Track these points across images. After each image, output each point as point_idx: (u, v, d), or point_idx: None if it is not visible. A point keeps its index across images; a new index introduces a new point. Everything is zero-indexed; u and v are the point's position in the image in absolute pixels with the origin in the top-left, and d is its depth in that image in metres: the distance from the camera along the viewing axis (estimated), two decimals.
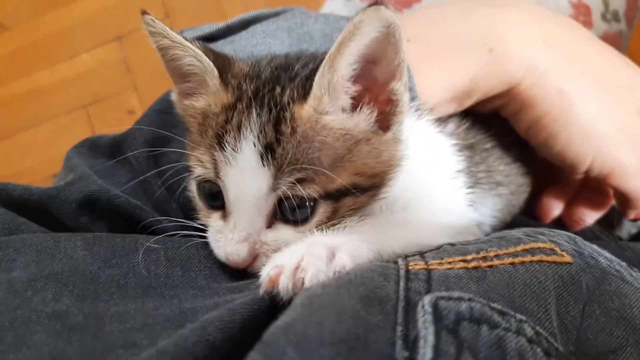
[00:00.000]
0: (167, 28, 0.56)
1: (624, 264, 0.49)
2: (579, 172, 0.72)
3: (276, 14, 0.71)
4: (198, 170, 0.57)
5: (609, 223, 0.91)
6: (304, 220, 0.55)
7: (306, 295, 0.40)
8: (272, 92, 0.54)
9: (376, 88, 0.55)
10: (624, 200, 0.76)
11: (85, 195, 0.62)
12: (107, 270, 0.49)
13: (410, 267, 0.44)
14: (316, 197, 0.53)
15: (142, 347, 0.40)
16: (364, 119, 0.56)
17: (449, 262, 0.45)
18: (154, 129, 0.68)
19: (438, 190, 0.64)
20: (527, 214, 0.84)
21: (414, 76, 0.64)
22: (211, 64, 0.57)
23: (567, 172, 0.76)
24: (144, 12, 0.56)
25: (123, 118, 2.09)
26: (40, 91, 2.17)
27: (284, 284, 0.44)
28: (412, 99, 0.63)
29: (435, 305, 0.37)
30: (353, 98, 0.55)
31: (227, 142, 0.53)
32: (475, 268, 0.44)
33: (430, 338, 0.34)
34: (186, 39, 0.56)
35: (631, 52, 1.29)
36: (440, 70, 0.66)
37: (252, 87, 0.56)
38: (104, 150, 0.74)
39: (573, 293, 0.43)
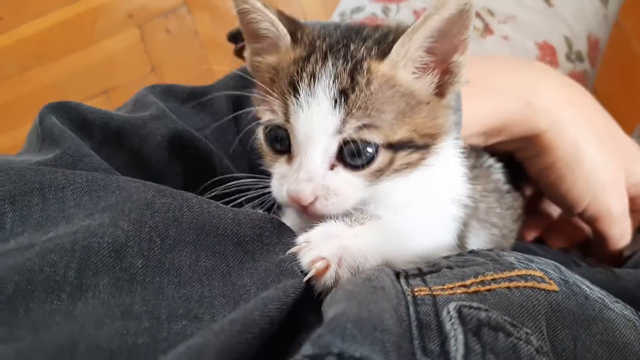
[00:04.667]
0: None
1: (604, 292, 0.53)
2: (575, 212, 0.83)
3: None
4: (267, 117, 0.61)
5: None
6: (363, 166, 0.60)
7: (346, 290, 0.45)
8: (346, 48, 0.60)
9: (441, 58, 0.62)
10: (601, 244, 0.88)
11: (172, 131, 0.65)
12: (161, 199, 0.50)
13: (416, 293, 0.48)
14: (378, 143, 0.58)
15: (204, 321, 0.42)
16: (427, 83, 0.62)
17: (451, 288, 0.49)
18: (241, 74, 0.72)
19: (432, 209, 0.68)
20: None
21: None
22: (284, 29, 0.63)
23: (565, 211, 0.89)
24: None
25: None
26: None
27: (328, 282, 0.52)
28: (456, 124, 0.71)
29: (459, 311, 0.42)
30: (421, 65, 0.61)
31: (301, 87, 0.58)
32: (475, 292, 0.48)
33: (460, 337, 0.39)
34: (264, 6, 0.62)
35: (597, 90, 1.38)
36: (482, 108, 0.77)
37: (325, 43, 0.61)
38: (178, 96, 0.77)
39: (560, 318, 0.47)
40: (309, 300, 0.51)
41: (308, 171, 0.59)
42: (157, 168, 0.65)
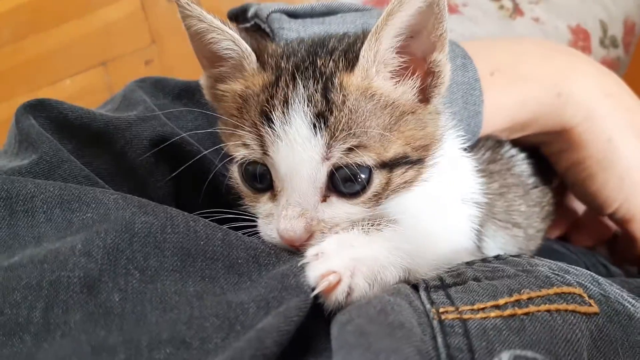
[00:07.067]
0: (204, 12, 0.56)
1: None
2: (604, 213, 0.77)
3: (358, 10, 0.74)
4: (241, 153, 0.56)
5: None
6: (359, 193, 0.54)
7: (359, 328, 0.38)
8: (314, 65, 0.55)
9: (418, 60, 0.56)
10: (630, 245, 0.82)
11: (159, 134, 0.60)
12: (142, 217, 0.45)
13: (442, 317, 0.42)
14: (371, 165, 0.52)
15: (191, 347, 0.36)
16: (408, 90, 0.56)
17: (482, 309, 0.43)
18: None
19: (445, 211, 0.63)
20: None
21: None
22: (248, 47, 0.57)
23: (593, 211, 0.83)
24: None
25: None
26: None
27: (340, 296, 0.45)
28: (476, 125, 0.67)
29: None
30: (397, 70, 0.56)
31: (275, 116, 0.52)
32: (511, 316, 0.42)
33: None
34: (223, 23, 0.56)
35: (628, 78, 1.30)
36: (508, 100, 0.70)
37: (291, 63, 0.55)
38: (169, 92, 0.71)
39: (602, 349, 0.42)
40: (316, 318, 0.45)
41: (297, 206, 0.53)
42: (143, 174, 0.60)
